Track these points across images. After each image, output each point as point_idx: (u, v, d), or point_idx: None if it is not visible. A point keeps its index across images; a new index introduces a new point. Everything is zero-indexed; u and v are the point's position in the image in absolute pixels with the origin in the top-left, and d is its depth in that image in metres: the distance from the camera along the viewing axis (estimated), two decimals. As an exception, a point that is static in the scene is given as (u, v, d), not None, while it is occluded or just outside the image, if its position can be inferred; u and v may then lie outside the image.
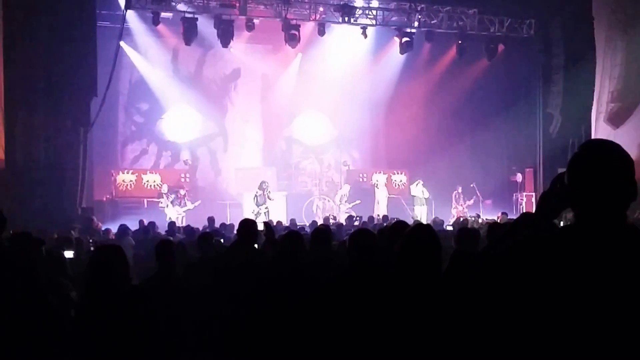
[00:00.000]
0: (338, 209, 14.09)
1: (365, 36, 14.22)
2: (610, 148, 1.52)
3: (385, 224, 9.18)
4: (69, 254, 5.58)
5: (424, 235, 2.51)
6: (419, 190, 14.09)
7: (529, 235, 1.55)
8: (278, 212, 13.18)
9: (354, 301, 2.64)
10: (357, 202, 14.12)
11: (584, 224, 1.49)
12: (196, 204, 12.93)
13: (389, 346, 2.35)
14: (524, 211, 12.60)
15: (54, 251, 5.34)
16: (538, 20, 14.59)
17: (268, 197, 13.05)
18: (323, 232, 4.31)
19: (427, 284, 2.41)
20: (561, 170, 1.61)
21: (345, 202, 14.16)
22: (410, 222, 6.94)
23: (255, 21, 13.57)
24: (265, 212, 12.68)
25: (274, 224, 9.08)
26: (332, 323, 2.76)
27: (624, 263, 1.41)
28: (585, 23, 13.45)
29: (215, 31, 13.21)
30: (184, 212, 12.82)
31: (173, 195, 12.98)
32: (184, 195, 13.05)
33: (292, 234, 4.11)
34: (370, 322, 2.41)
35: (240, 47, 14.86)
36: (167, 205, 12.81)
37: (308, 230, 8.46)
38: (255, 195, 13.04)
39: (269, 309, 3.54)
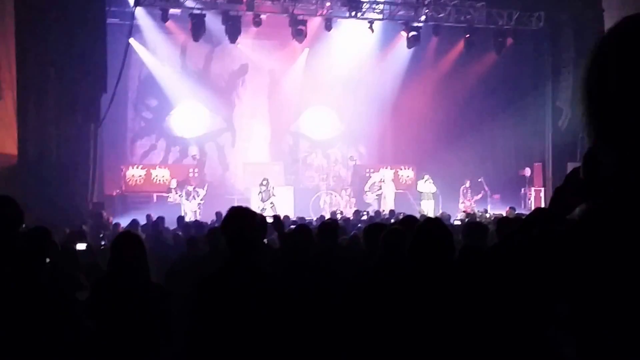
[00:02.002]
0: (365, 196, 14.33)
1: (372, 31, 14.19)
2: None
3: (392, 219, 9.21)
4: (81, 246, 5.68)
5: (434, 227, 2.56)
6: (426, 186, 14.08)
7: (543, 231, 1.50)
8: (285, 207, 13.26)
9: (379, 297, 2.68)
10: (380, 192, 14.35)
11: (600, 218, 1.38)
12: (205, 188, 13.31)
13: (405, 337, 2.40)
14: (536, 206, 12.57)
15: (66, 245, 5.44)
16: (547, 12, 14.46)
17: (272, 193, 13.21)
18: (329, 225, 4.36)
19: (441, 275, 2.45)
20: (570, 164, 1.63)
21: (378, 190, 14.39)
22: (418, 217, 6.97)
23: (262, 17, 13.61)
24: (271, 207, 12.81)
25: (282, 218, 9.14)
26: (356, 317, 2.80)
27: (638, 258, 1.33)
28: (595, 15, 13.32)
29: (223, 27, 13.26)
30: (201, 200, 13.10)
31: (184, 192, 13.19)
32: (193, 189, 13.28)
33: (302, 227, 4.16)
34: (391, 314, 2.47)
35: (247, 42, 14.90)
36: (184, 202, 13.07)
37: (315, 224, 8.52)
38: (260, 192, 13.19)
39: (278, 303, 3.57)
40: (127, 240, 3.09)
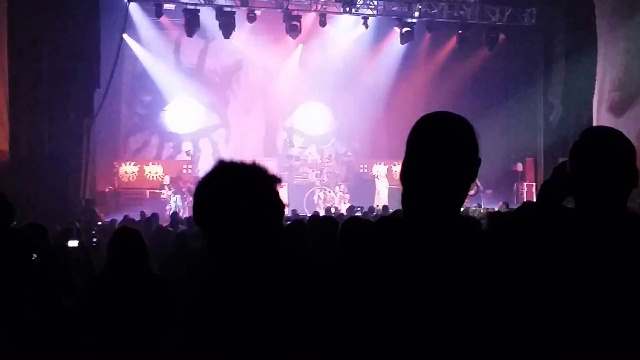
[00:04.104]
0: None
1: (366, 26, 14.22)
2: (611, 135, 1.50)
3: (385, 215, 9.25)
4: (73, 243, 5.63)
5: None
6: None
7: (529, 224, 1.56)
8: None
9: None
10: None
11: (585, 211, 1.48)
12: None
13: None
14: (525, 200, 12.66)
15: (58, 242, 5.41)
16: (539, 8, 14.54)
17: None
18: (326, 221, 4.35)
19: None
20: (562, 159, 1.62)
21: None
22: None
23: (257, 12, 13.57)
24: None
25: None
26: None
27: (623, 250, 1.40)
28: (587, 11, 13.39)
29: (217, 22, 13.21)
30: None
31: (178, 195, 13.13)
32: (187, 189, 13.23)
33: (297, 223, 4.15)
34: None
35: (241, 38, 14.84)
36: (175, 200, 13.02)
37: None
38: None
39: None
40: (126, 235, 3.04)
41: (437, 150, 1.26)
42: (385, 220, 1.34)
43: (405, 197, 1.30)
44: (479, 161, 1.31)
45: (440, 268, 1.19)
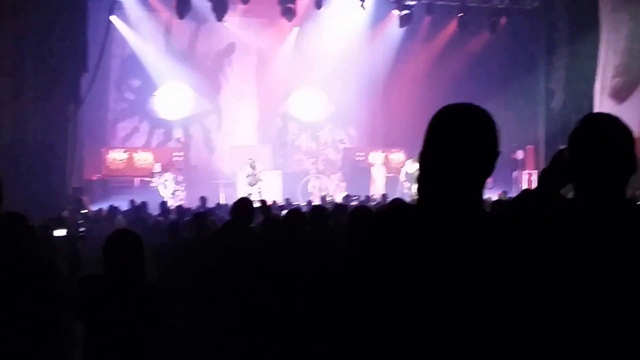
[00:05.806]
0: (407, 189, 13.50)
1: (364, 9, 13.85)
2: (610, 121, 1.50)
3: (384, 203, 9.00)
4: (60, 232, 5.48)
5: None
6: (414, 167, 13.84)
7: (529, 212, 1.56)
8: (273, 191, 12.99)
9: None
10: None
11: (583, 199, 1.47)
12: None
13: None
14: (524, 188, 12.42)
15: (43, 231, 5.22)
16: (542, -9, 14.20)
17: (260, 178, 12.99)
18: (322, 210, 4.25)
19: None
20: (562, 146, 1.56)
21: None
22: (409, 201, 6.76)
23: (250, -7, 13.17)
24: (258, 192, 12.53)
25: (270, 203, 8.91)
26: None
27: (621, 238, 1.39)
28: (590, -5, 13.08)
29: (209, 4, 12.84)
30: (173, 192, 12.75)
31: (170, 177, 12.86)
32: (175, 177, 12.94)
33: (294, 212, 4.06)
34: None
35: (234, 21, 14.44)
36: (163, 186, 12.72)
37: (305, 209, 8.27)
38: (247, 176, 12.92)
39: (269, 290, 3.43)
40: (123, 240, 2.86)
41: (464, 142, 1.29)
42: (400, 209, 1.39)
43: (424, 186, 1.32)
44: (498, 154, 1.36)
45: (462, 257, 1.23)
